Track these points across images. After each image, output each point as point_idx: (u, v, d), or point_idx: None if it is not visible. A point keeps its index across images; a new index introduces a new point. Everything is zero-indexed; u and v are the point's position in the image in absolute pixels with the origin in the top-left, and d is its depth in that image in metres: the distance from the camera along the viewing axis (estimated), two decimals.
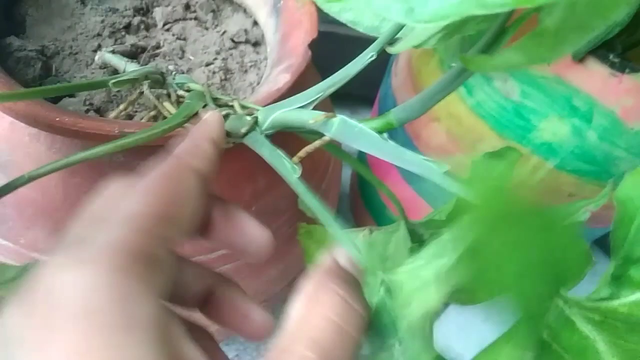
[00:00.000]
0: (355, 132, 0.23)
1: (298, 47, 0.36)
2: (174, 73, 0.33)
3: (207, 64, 0.41)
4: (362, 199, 0.61)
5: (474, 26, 0.21)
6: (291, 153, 0.27)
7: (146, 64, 0.40)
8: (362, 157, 0.60)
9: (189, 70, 0.40)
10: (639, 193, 0.18)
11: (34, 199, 0.32)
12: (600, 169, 0.38)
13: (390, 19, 0.15)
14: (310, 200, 0.24)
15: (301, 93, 0.26)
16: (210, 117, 0.24)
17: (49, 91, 0.25)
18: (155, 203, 0.17)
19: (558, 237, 0.15)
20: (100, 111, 0.35)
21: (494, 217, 0.13)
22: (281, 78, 0.34)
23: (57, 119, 0.27)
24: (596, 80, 0.36)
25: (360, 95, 0.66)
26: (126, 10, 0.42)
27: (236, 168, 0.34)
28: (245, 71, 0.42)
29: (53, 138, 0.30)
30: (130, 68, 0.33)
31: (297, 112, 0.25)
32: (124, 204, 0.17)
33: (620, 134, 0.37)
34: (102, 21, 0.40)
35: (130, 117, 0.36)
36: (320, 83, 0.25)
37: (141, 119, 0.35)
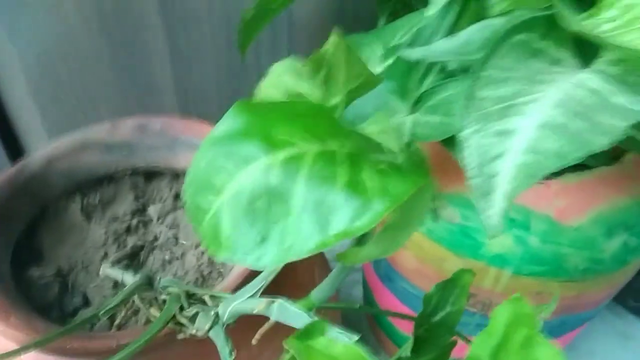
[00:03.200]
0: (290, 312, 0.29)
1: None
2: (159, 278, 0.39)
3: (197, 246, 0.47)
4: (374, 320, 0.65)
5: None
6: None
7: (145, 260, 0.47)
8: (365, 286, 0.64)
9: (183, 255, 0.47)
10: None
11: None
12: (553, 267, 0.41)
13: None
14: None
15: (249, 284, 0.31)
16: None
17: (57, 335, 0.31)
18: None
19: None
20: (110, 316, 0.42)
21: None
22: None
23: (67, 347, 0.33)
24: (525, 191, 0.41)
25: None
26: (125, 215, 0.50)
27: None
28: None
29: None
30: (126, 278, 0.40)
31: (247, 303, 0.31)
32: None
33: (560, 234, 0.40)
34: (106, 232, 0.48)
35: (135, 314, 0.42)
36: (263, 273, 0.31)
37: (142, 319, 0.42)
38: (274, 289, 0.32)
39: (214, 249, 0.21)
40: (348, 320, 0.71)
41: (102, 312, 0.33)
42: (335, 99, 0.30)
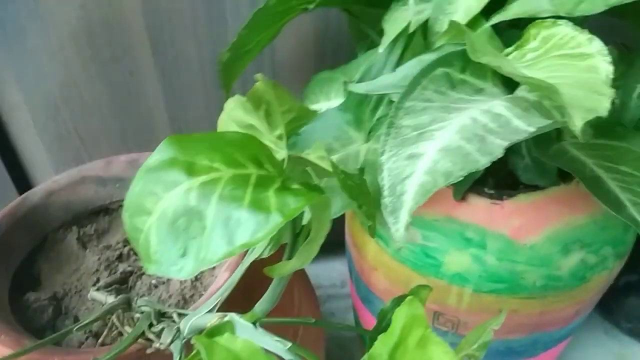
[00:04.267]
0: (239, 325, 0.31)
1: None
2: (135, 299, 0.42)
3: None
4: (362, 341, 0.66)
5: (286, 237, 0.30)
6: None
7: (134, 285, 0.50)
8: (354, 309, 0.67)
9: (168, 280, 0.50)
10: None
11: None
12: (511, 284, 0.43)
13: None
14: None
15: (207, 301, 0.34)
16: None
17: (31, 348, 0.35)
18: None
19: None
20: (97, 335, 0.45)
21: None
22: (222, 277, 0.42)
23: None
24: (481, 211, 0.43)
25: None
26: (118, 244, 0.54)
27: None
28: (214, 268, 0.51)
29: None
30: (109, 300, 0.43)
31: (203, 318, 0.33)
32: None
33: (515, 252, 0.42)
34: (99, 258, 0.52)
35: (120, 334, 0.45)
36: (219, 291, 0.34)
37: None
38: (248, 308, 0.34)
39: (146, 263, 0.24)
40: (341, 341, 0.73)
41: (76, 328, 0.36)
42: (278, 131, 0.33)
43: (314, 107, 0.54)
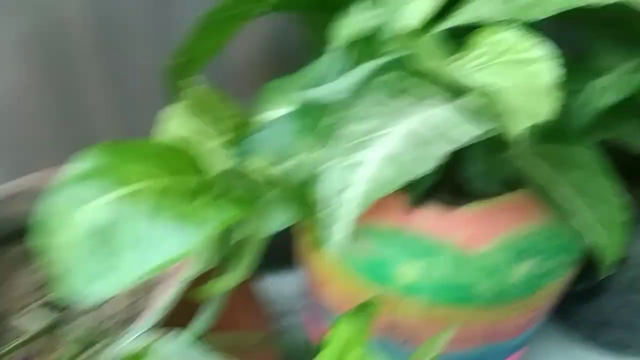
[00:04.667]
0: (175, 345, 0.29)
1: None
2: (72, 320, 0.40)
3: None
4: None
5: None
6: None
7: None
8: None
9: (113, 297, 0.48)
10: None
11: None
12: (464, 295, 0.42)
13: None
14: None
15: (139, 324, 0.32)
16: None
17: None
18: None
19: None
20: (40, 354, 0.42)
21: None
22: (163, 294, 0.40)
23: None
24: (431, 221, 0.42)
25: None
26: None
27: None
28: (161, 283, 0.49)
29: None
30: (45, 322, 0.41)
31: (139, 339, 0.31)
32: None
33: (467, 261, 0.42)
34: (32, 280, 0.49)
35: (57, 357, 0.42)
36: (149, 316, 0.32)
37: None
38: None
39: (58, 285, 0.22)
40: (300, 354, 0.72)
41: (3, 353, 0.34)
42: (226, 136, 0.32)
43: (266, 114, 0.52)
